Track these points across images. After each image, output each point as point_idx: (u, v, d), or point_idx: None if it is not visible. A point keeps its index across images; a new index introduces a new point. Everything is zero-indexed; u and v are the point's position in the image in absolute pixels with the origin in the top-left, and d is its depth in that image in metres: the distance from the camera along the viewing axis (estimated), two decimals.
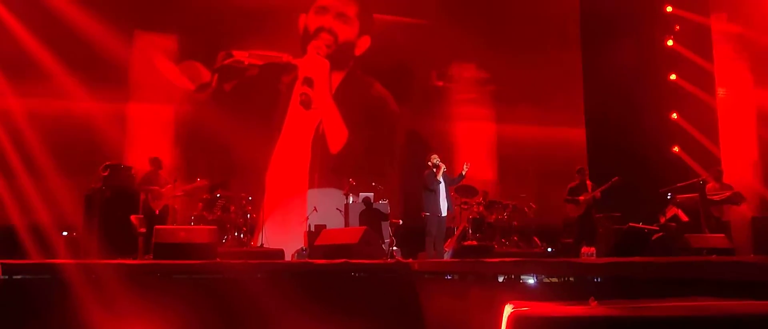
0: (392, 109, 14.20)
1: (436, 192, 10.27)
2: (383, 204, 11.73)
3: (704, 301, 2.64)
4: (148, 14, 12.78)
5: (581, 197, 11.05)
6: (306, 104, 13.67)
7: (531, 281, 7.16)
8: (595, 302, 2.66)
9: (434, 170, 10.33)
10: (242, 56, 13.37)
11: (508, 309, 2.69)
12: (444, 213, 10.41)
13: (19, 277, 7.08)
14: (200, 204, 11.40)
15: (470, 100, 14.53)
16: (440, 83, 14.62)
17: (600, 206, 11.24)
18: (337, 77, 14.01)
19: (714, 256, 8.77)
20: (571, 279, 6.72)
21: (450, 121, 14.42)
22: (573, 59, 14.84)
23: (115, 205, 10.00)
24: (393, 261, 8.56)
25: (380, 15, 14.37)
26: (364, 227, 9.41)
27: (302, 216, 12.35)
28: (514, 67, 14.40)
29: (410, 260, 8.52)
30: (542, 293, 6.85)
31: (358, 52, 14.17)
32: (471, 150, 14.04)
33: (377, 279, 7.95)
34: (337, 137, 13.78)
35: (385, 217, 11.43)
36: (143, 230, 9.76)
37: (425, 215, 10.29)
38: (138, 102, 12.72)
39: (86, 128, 11.58)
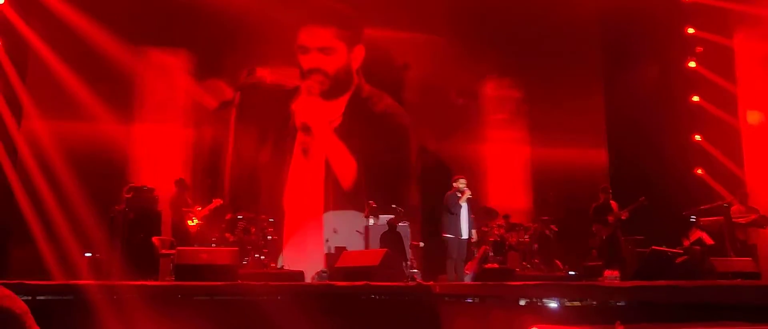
0: (402, 122, 14.14)
1: (458, 215, 10.23)
2: (403, 227, 11.71)
3: (732, 326, 2.59)
4: (168, 33, 12.88)
5: (610, 218, 10.87)
6: (306, 151, 13.65)
7: (553, 304, 7.09)
8: (622, 326, 2.63)
9: (459, 193, 10.29)
10: (264, 73, 13.41)
11: None
12: (465, 236, 10.36)
13: (42, 298, 7.13)
14: (222, 225, 11.45)
15: (490, 120, 14.48)
16: (461, 101, 14.56)
17: (623, 229, 11.10)
18: (342, 102, 14.01)
19: (739, 280, 8.65)
20: (594, 303, 6.65)
21: (469, 141, 14.36)
22: (595, 81, 14.77)
23: (137, 226, 10.11)
24: (414, 283, 8.50)
25: (392, 31, 14.35)
26: (385, 250, 9.39)
27: (322, 238, 12.35)
28: (535, 88, 14.36)
29: (431, 283, 8.47)
30: (565, 317, 6.77)
31: (355, 65, 14.13)
32: (491, 171, 13.99)
33: (398, 301, 7.90)
34: (346, 171, 13.72)
35: (405, 239, 11.40)
36: (166, 251, 9.81)
37: (446, 237, 10.25)
38: (160, 123, 12.79)
39: (110, 149, 11.71)
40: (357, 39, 14.11)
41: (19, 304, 2.16)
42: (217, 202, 11.40)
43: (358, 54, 14.11)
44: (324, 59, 13.88)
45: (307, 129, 13.63)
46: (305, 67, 13.80)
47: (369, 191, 12.89)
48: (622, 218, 10.80)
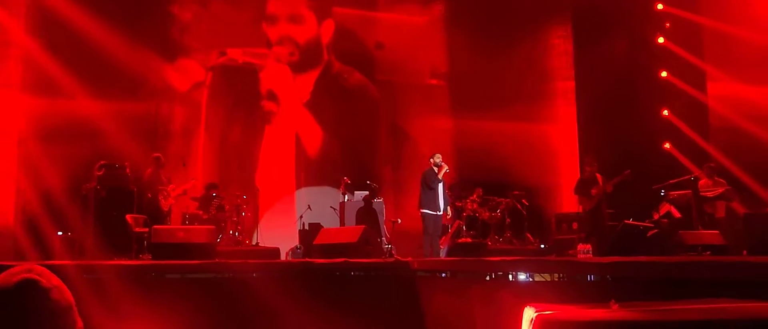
0: (373, 97, 14.14)
1: (435, 190, 10.30)
2: (378, 203, 11.75)
3: (725, 303, 2.68)
4: (143, 11, 12.67)
5: (593, 191, 10.95)
6: (270, 120, 13.53)
7: (522, 276, 7.23)
8: (616, 305, 2.69)
9: (436, 168, 10.35)
10: (236, 54, 13.30)
11: (529, 313, 2.71)
12: (441, 211, 10.44)
13: None
14: (195, 203, 11.38)
15: (462, 97, 14.54)
16: (434, 81, 14.63)
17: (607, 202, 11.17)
18: (313, 76, 13.92)
19: (708, 253, 8.88)
20: (564, 277, 6.78)
21: (441, 117, 14.44)
22: (565, 56, 14.89)
23: (110, 204, 9.99)
24: (392, 259, 8.58)
25: (364, 10, 14.28)
26: (363, 227, 9.43)
27: (296, 214, 12.35)
28: (506, 64, 14.43)
29: (409, 259, 8.55)
30: (538, 292, 6.90)
31: (325, 40, 14.04)
32: (463, 147, 14.07)
33: (377, 277, 7.98)
34: (317, 147, 13.70)
35: (381, 216, 11.46)
36: (139, 229, 9.72)
37: (424, 212, 10.30)
38: (131, 101, 12.61)
39: (81, 126, 11.50)
40: (327, 12, 14.03)
41: (66, 297, 2.06)
42: (193, 182, 11.32)
43: (328, 28, 14.02)
44: (293, 28, 13.79)
45: (273, 97, 13.53)
46: (274, 38, 13.66)
47: (343, 168, 12.90)
48: (608, 190, 10.84)
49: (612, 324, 2.36)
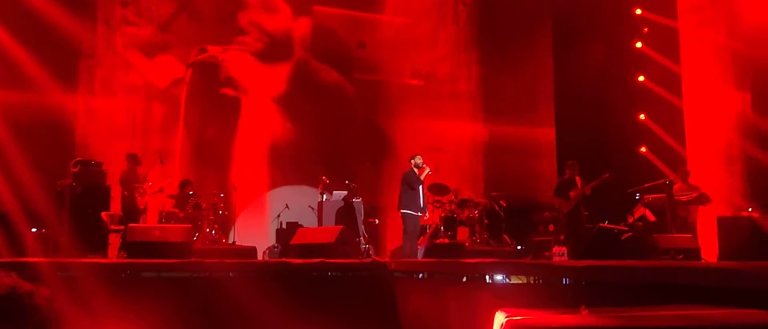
0: (349, 96, 14.14)
1: (417, 191, 10.32)
2: (357, 202, 11.75)
3: (697, 310, 2.72)
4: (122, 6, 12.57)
5: (571, 193, 11.01)
6: (226, 104, 13.41)
7: (500, 278, 7.28)
8: (586, 310, 2.72)
9: (416, 170, 10.37)
10: (216, 51, 13.22)
11: (499, 317, 2.73)
12: (422, 212, 10.46)
13: None
14: (172, 201, 11.30)
15: (440, 98, 14.59)
16: (414, 82, 14.65)
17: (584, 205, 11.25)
18: (283, 70, 13.88)
19: (681, 258, 8.99)
20: (540, 280, 6.84)
21: (419, 118, 14.47)
22: (544, 59, 14.99)
23: (85, 201, 9.89)
24: (369, 260, 8.59)
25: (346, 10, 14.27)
26: (341, 227, 9.43)
27: (273, 213, 12.30)
28: (485, 67, 14.52)
29: (387, 259, 8.57)
30: (514, 294, 6.95)
31: (297, 35, 13.98)
32: (442, 148, 14.12)
33: (353, 278, 7.99)
34: (290, 140, 13.64)
35: (359, 215, 11.46)
36: (115, 227, 9.64)
37: (405, 213, 10.32)
38: (109, 97, 12.50)
39: (57, 121, 11.39)
40: (305, 10, 14.00)
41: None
42: (169, 180, 11.25)
43: (303, 25, 13.98)
44: (264, 16, 13.68)
45: (231, 82, 13.43)
46: (242, 22, 13.56)
47: (321, 167, 12.89)
48: (587, 193, 10.89)
49: None
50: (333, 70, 14.10)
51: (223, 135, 13.33)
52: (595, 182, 10.83)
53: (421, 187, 10.39)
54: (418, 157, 10.52)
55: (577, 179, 11.07)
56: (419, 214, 10.39)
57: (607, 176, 10.78)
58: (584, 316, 2.58)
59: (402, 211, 10.22)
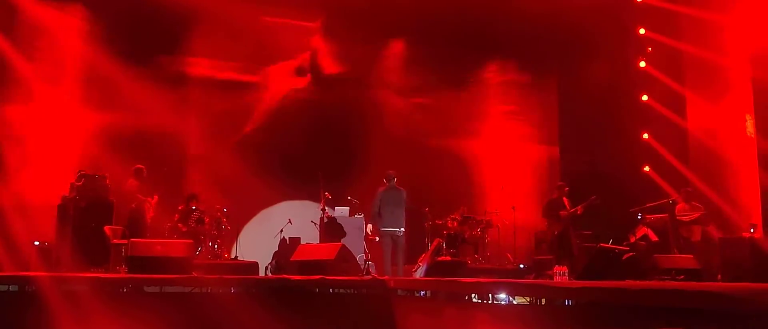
0: (356, 108, 14.22)
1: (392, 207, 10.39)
2: (359, 218, 11.77)
3: None
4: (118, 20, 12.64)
5: (562, 213, 11.06)
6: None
7: (502, 295, 7.26)
8: None
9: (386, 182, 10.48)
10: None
11: None
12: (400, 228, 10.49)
13: None
14: (176, 215, 11.33)
15: (445, 114, 14.61)
16: (418, 100, 14.68)
17: (574, 224, 11.31)
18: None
19: (682, 278, 8.96)
20: (542, 301, 6.83)
21: (422, 135, 14.49)
22: (549, 77, 15.04)
23: (89, 215, 9.90)
24: (369, 277, 8.59)
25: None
26: (341, 244, 9.44)
27: (276, 228, 12.31)
28: (490, 84, 14.56)
29: (386, 277, 8.57)
30: (515, 314, 6.94)
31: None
32: (445, 166, 14.15)
33: (353, 295, 7.98)
34: (293, 154, 13.71)
35: (360, 232, 11.48)
36: (117, 241, 9.67)
37: (386, 230, 10.38)
38: (108, 111, 12.52)
39: (61, 135, 11.46)
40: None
41: None
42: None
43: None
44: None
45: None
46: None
47: (323, 183, 12.90)
48: (578, 213, 10.95)
49: None
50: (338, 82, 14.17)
51: (230, 148, 13.33)
52: (585, 204, 10.91)
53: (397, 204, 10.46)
54: (392, 174, 10.61)
55: (565, 199, 11.16)
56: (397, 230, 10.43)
57: (594, 198, 10.86)
58: None
59: (383, 229, 10.31)
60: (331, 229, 11.39)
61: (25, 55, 11.52)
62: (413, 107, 14.64)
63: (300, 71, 14.17)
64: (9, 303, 6.93)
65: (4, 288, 7.06)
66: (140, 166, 10.86)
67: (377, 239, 10.83)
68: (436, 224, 12.30)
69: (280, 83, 13.96)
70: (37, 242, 9.95)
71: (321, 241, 11.41)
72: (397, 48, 14.39)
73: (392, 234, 10.31)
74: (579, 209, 10.96)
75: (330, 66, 14.21)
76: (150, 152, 11.88)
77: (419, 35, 14.11)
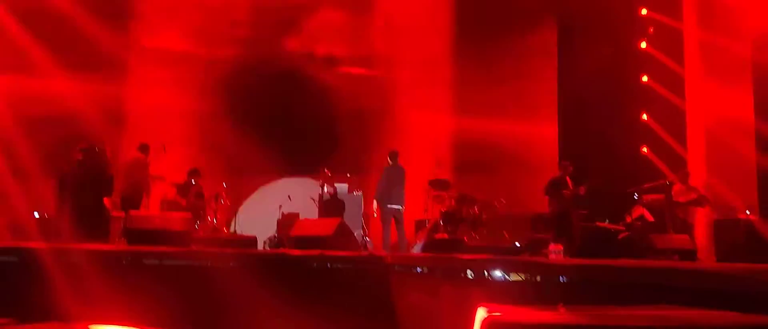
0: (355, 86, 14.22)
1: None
2: (357, 196, 11.83)
3: (670, 310, 2.79)
4: None
5: (565, 192, 11.05)
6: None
7: (498, 273, 7.33)
8: (564, 308, 2.79)
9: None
10: None
11: (481, 313, 2.81)
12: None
13: None
14: (173, 189, 11.39)
15: (443, 93, 14.61)
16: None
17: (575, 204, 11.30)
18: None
19: (676, 258, 9.04)
20: (538, 277, 6.90)
21: (421, 113, 14.49)
22: (549, 56, 15.01)
23: (88, 187, 9.95)
24: (367, 253, 8.66)
25: None
26: (339, 219, 9.50)
27: (275, 203, 12.37)
28: (489, 62, 14.53)
29: (384, 253, 8.64)
30: (510, 290, 7.02)
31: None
32: (443, 144, 14.18)
33: (350, 270, 8.04)
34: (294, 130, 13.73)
35: (359, 208, 11.55)
36: (117, 213, 9.74)
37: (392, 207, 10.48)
38: (113, 84, 12.56)
39: (61, 107, 11.47)
40: None
41: None
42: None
43: None
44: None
45: None
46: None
47: (324, 158, 12.96)
48: (581, 193, 10.94)
49: (556, 326, 2.46)
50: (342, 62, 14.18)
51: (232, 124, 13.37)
52: (588, 184, 10.91)
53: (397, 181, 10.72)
54: (395, 152, 10.74)
55: (568, 179, 11.16)
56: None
57: (594, 180, 10.85)
58: (560, 313, 2.65)
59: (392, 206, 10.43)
60: (332, 205, 11.44)
61: None
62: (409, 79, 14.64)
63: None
64: (8, 274, 6.99)
65: (3, 258, 7.12)
66: (145, 142, 10.92)
67: (375, 215, 10.95)
68: (434, 202, 12.33)
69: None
70: (36, 214, 10.01)
71: (320, 216, 11.48)
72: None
73: (393, 211, 10.50)
74: (582, 189, 10.94)
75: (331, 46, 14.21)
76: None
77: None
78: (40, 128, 11.03)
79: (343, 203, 11.58)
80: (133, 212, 8.96)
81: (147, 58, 12.99)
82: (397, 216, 10.80)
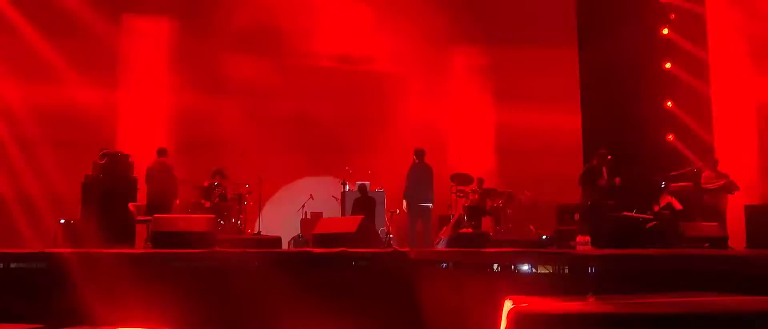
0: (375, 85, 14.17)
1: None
2: (379, 193, 11.79)
3: (698, 297, 2.71)
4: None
5: (600, 181, 10.83)
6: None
7: (525, 266, 7.26)
8: (593, 298, 2.72)
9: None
10: None
11: (508, 305, 2.74)
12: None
13: (14, 266, 7.11)
14: (198, 192, 11.43)
15: (466, 87, 14.53)
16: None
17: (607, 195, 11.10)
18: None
19: (707, 246, 8.88)
20: (566, 269, 6.81)
21: (444, 108, 14.43)
22: (570, 46, 14.84)
23: (112, 193, 10.03)
24: (390, 249, 8.61)
25: None
26: (362, 216, 9.46)
27: (298, 203, 12.38)
28: (510, 54, 14.41)
29: (407, 249, 8.58)
30: (538, 283, 6.93)
31: None
32: (466, 137, 14.09)
33: (374, 267, 8.00)
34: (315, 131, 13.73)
35: (381, 206, 11.51)
36: (142, 218, 9.79)
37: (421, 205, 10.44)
38: (134, 89, 12.65)
39: (84, 115, 11.57)
40: None
41: None
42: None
43: None
44: None
45: None
46: None
47: (345, 158, 12.95)
48: (616, 183, 10.70)
49: (584, 316, 2.39)
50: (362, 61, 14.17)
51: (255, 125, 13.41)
52: (621, 175, 10.69)
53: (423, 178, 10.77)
54: (421, 149, 10.71)
55: (604, 168, 10.90)
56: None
57: (628, 170, 10.66)
58: (589, 303, 2.58)
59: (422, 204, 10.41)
60: (363, 203, 11.40)
61: None
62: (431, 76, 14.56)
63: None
64: (37, 280, 7.05)
65: (31, 265, 7.19)
66: (163, 146, 10.97)
67: (397, 211, 10.96)
68: (457, 196, 12.24)
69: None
70: (62, 221, 10.09)
71: (346, 214, 11.46)
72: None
73: (420, 209, 10.55)
74: (618, 180, 10.68)
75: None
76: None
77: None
78: (63, 134, 11.12)
79: (374, 200, 11.56)
80: (157, 215, 8.98)
81: (165, 61, 13.03)
82: (425, 213, 10.83)
